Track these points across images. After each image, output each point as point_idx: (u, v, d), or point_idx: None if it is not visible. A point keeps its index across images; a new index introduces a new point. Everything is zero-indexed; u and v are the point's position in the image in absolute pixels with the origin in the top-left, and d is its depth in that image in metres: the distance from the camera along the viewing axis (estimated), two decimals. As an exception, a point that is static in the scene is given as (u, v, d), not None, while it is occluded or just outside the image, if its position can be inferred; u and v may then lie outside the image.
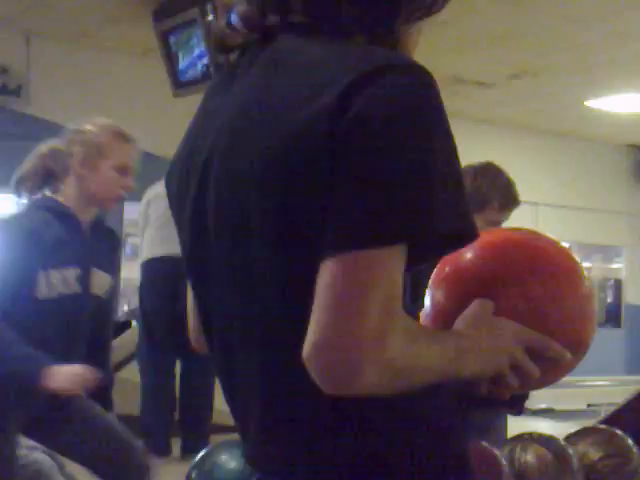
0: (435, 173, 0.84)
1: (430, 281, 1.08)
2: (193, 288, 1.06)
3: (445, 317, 1.03)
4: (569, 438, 2.32)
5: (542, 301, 1.01)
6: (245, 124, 0.93)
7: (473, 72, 5.68)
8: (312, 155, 0.85)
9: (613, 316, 8.05)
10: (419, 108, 0.85)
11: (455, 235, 0.86)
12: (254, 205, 0.91)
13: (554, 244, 1.10)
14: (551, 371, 1.02)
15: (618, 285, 8.40)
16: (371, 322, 0.81)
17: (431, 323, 1.07)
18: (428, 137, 0.84)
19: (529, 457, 2.18)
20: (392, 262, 0.82)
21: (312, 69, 0.90)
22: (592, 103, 6.43)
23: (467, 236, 0.87)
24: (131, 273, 5.27)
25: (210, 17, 4.17)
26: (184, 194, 1.02)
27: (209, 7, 4.17)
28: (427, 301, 1.08)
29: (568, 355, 1.00)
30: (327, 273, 0.82)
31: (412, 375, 0.86)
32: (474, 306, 0.98)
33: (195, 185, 0.99)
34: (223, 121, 0.97)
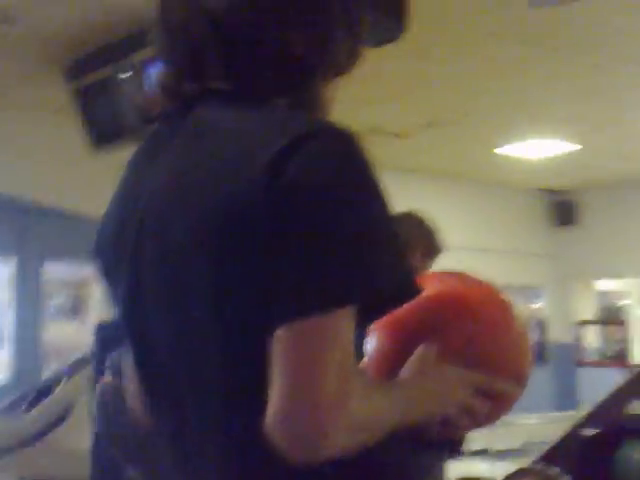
0: (373, 235, 0.85)
1: (372, 327, 1.10)
2: (135, 355, 1.02)
3: (389, 362, 1.06)
4: (508, 479, 2.32)
5: (482, 342, 1.07)
6: (174, 197, 0.92)
7: (389, 123, 5.79)
8: (245, 227, 0.85)
9: (539, 354, 8.19)
10: (349, 173, 0.86)
11: (400, 293, 0.89)
12: (193, 277, 0.89)
13: (487, 287, 1.16)
14: (497, 406, 1.06)
15: (541, 324, 8.58)
16: (330, 387, 0.81)
17: (375, 369, 1.08)
18: (361, 200, 0.86)
19: (471, 501, 2.17)
20: (343, 324, 0.83)
21: (237, 138, 0.90)
22: (503, 150, 6.62)
23: (411, 293, 0.90)
24: (53, 335, 5.10)
25: (126, 75, 4.14)
26: (117, 265, 1.00)
27: (125, 65, 4.14)
28: (369, 347, 1.10)
29: (512, 389, 1.06)
30: (280, 342, 0.82)
31: (371, 431, 0.88)
32: (418, 354, 1.01)
33: (129, 257, 0.98)
34: (151, 194, 0.96)
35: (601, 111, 5.73)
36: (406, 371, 0.99)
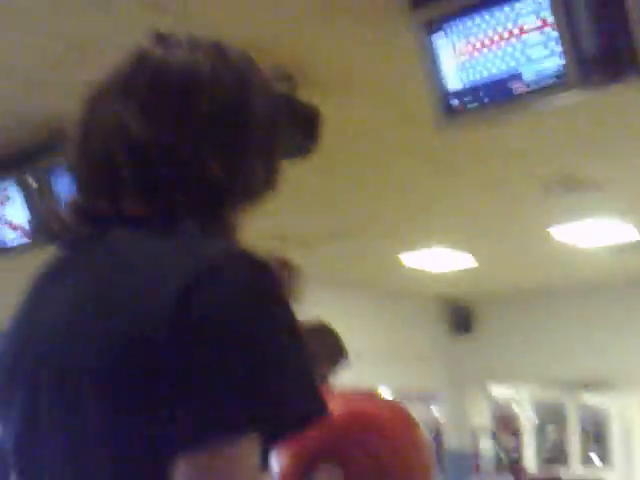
0: (281, 365, 0.85)
1: (277, 449, 1.09)
2: None
3: None
4: None
5: (384, 458, 1.10)
6: (77, 325, 0.91)
7: (296, 232, 5.87)
8: (151, 356, 0.84)
9: (436, 462, 8.20)
10: (256, 300, 0.86)
11: (307, 417, 0.88)
12: (91, 408, 0.87)
13: (390, 405, 1.20)
14: None
15: (438, 431, 8.62)
16: None
17: None
18: (270, 329, 0.86)
19: None
20: (249, 452, 0.82)
21: (147, 267, 0.89)
22: (405, 260, 6.79)
23: (318, 416, 0.88)
24: None
25: (31, 183, 4.05)
26: (11, 391, 0.97)
27: (29, 173, 4.06)
28: (275, 470, 1.10)
29: None
30: (184, 473, 0.81)
31: None
32: (324, 475, 1.04)
33: (25, 385, 0.95)
34: (54, 321, 0.94)
35: (495, 226, 5.99)
36: None
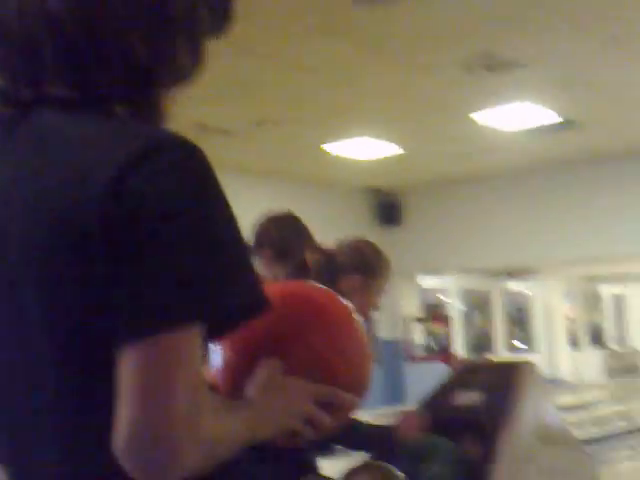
0: (219, 250, 0.84)
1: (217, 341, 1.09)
2: None
3: (235, 374, 1.08)
4: (347, 476, 2.31)
5: (324, 350, 1.09)
6: (8, 211, 0.89)
7: (217, 120, 5.71)
8: (86, 240, 0.83)
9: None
10: (192, 185, 0.85)
11: (247, 307, 0.88)
12: (28, 298, 0.87)
13: (327, 293, 1.19)
14: (340, 413, 1.09)
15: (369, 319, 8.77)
16: (181, 407, 0.80)
17: (222, 385, 1.10)
18: (207, 214, 0.85)
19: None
20: (190, 341, 0.82)
21: (78, 148, 0.88)
22: (330, 149, 6.71)
23: (259, 307, 0.89)
24: None
25: None
26: None
27: None
28: (216, 359, 1.10)
29: (352, 398, 1.09)
30: (127, 362, 0.81)
31: (222, 449, 0.88)
32: (263, 369, 1.03)
33: None
34: None
35: (419, 110, 5.92)
36: (252, 388, 1.01)
